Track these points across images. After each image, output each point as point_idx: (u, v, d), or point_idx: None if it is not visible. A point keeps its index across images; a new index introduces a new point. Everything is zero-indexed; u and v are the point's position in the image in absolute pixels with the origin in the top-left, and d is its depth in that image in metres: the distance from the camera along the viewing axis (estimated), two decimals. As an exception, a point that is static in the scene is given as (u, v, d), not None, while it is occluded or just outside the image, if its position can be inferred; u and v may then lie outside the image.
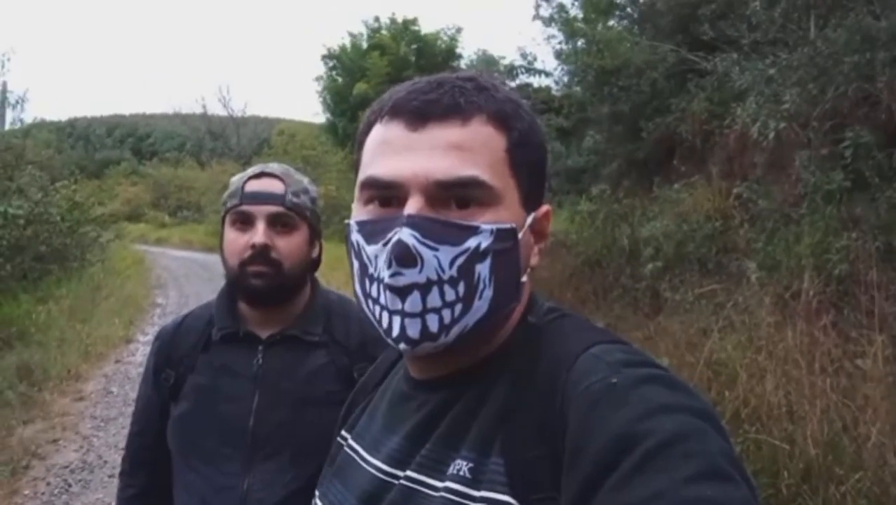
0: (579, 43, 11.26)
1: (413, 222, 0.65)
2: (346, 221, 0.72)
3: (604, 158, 10.65)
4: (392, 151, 0.68)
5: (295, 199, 1.33)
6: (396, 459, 0.73)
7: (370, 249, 0.68)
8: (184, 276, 14.77)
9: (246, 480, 1.28)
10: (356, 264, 0.71)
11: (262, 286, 1.30)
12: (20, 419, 5.14)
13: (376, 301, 0.69)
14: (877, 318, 3.33)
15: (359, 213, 0.71)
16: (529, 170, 0.71)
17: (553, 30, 11.83)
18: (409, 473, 0.70)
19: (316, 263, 1.42)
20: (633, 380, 0.61)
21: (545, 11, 11.74)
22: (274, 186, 1.32)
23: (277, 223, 1.31)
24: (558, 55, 12.08)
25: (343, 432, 0.87)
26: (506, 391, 0.68)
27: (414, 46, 20.58)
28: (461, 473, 0.65)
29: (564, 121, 11.88)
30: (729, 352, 3.88)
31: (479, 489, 0.63)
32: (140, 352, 7.72)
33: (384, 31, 21.39)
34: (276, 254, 1.30)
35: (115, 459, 4.64)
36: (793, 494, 2.85)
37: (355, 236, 0.70)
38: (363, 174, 0.71)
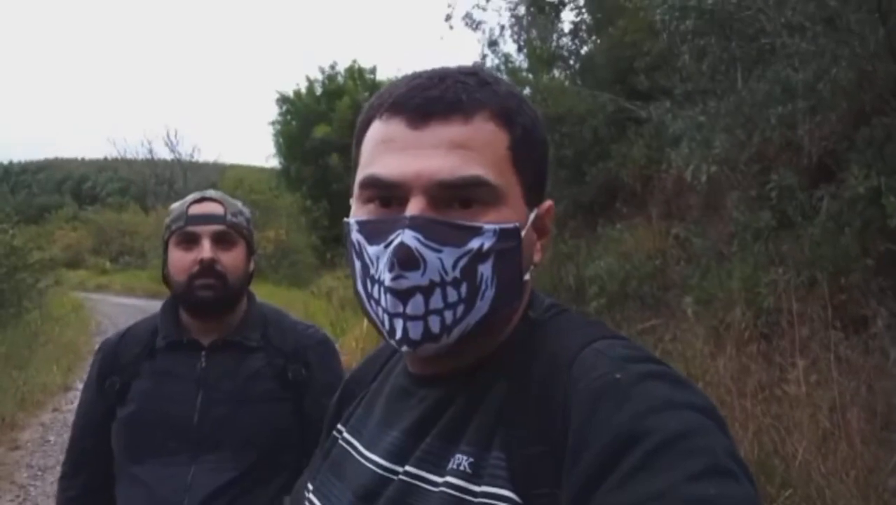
0: (525, 91, 11.73)
1: (416, 224, 0.64)
2: (345, 220, 0.72)
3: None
4: (394, 150, 0.67)
5: (234, 219, 1.49)
6: (395, 454, 0.72)
7: (372, 250, 0.67)
8: (124, 323, 14.20)
9: (192, 468, 1.40)
10: (358, 264, 0.69)
11: (210, 297, 1.44)
12: (-49, 470, 4.91)
13: (378, 303, 0.68)
14: (797, 345, 3.57)
15: (358, 211, 0.70)
16: (532, 166, 0.71)
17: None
18: (408, 468, 0.69)
19: (251, 276, 1.57)
20: (637, 376, 0.60)
21: (491, 62, 12.22)
22: (215, 209, 1.49)
23: (220, 240, 1.46)
24: (505, 103, 12.51)
25: (338, 426, 0.86)
26: (507, 386, 0.68)
27: (367, 94, 20.94)
28: (461, 467, 0.65)
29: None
30: (668, 382, 4.03)
31: (479, 484, 0.63)
32: (79, 400, 7.45)
33: (340, 78, 21.74)
34: (221, 267, 1.45)
35: (53, 508, 4.47)
36: (728, 514, 2.97)
37: (356, 236, 0.69)
38: (363, 173, 0.69)
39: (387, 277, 0.65)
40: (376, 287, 0.67)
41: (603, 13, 10.93)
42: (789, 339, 3.64)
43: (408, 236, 0.63)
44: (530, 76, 11.85)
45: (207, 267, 1.43)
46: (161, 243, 1.52)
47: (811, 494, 2.81)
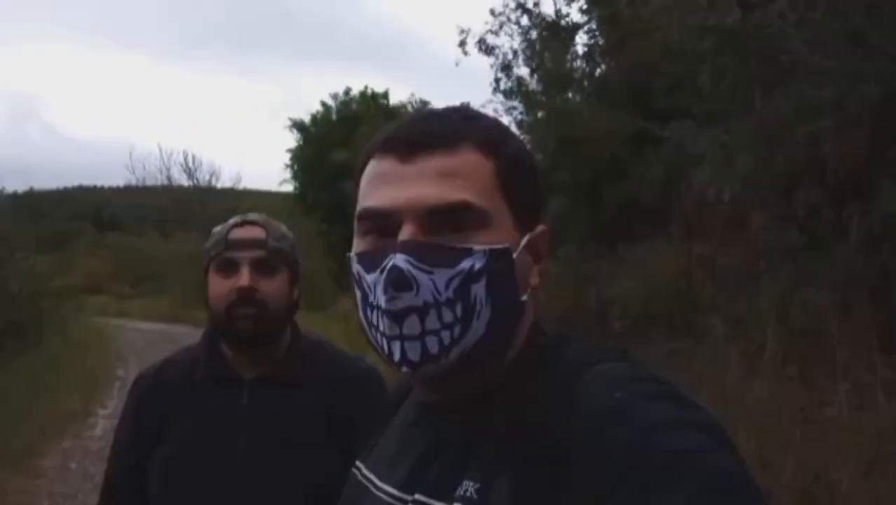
0: (539, 114, 11.75)
1: (406, 248, 0.67)
2: (348, 255, 0.75)
3: (568, 222, 10.93)
4: (384, 183, 0.71)
5: (276, 244, 1.40)
6: (405, 483, 0.73)
7: (369, 278, 0.70)
8: (146, 348, 14.33)
9: None
10: (358, 294, 0.73)
11: (249, 328, 1.36)
12: (-27, 499, 4.89)
13: (377, 329, 0.70)
14: (839, 367, 3.46)
15: (358, 245, 0.74)
16: (520, 192, 0.73)
17: (514, 101, 12.31)
18: (417, 496, 0.71)
19: (296, 305, 1.47)
20: (639, 395, 0.61)
21: (505, 84, 12.25)
22: (256, 233, 1.40)
23: (261, 267, 1.37)
24: (520, 125, 12.52)
25: (357, 463, 0.88)
26: (512, 412, 0.68)
27: (382, 119, 21.12)
28: (468, 494, 0.66)
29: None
30: (700, 405, 3.94)
31: None
32: (100, 426, 7.43)
33: (354, 105, 21.98)
34: (261, 296, 1.36)
35: (75, 538, 4.42)
36: (771, 545, 2.87)
37: (356, 267, 0.72)
38: (359, 207, 0.74)
39: (382, 301, 0.68)
40: (375, 313, 0.70)
41: (616, 35, 10.95)
42: (829, 361, 3.54)
43: (399, 259, 0.66)
44: (544, 99, 11.87)
45: (246, 296, 1.34)
46: (201, 269, 1.43)
47: (859, 523, 2.70)
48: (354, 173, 0.77)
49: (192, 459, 1.35)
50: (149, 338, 16.41)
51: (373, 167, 0.74)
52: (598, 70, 12.10)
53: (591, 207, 10.09)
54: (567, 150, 10.22)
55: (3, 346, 9.35)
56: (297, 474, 1.33)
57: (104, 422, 7.61)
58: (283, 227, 1.45)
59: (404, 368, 0.69)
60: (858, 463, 2.91)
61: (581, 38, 12.03)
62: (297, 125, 22.48)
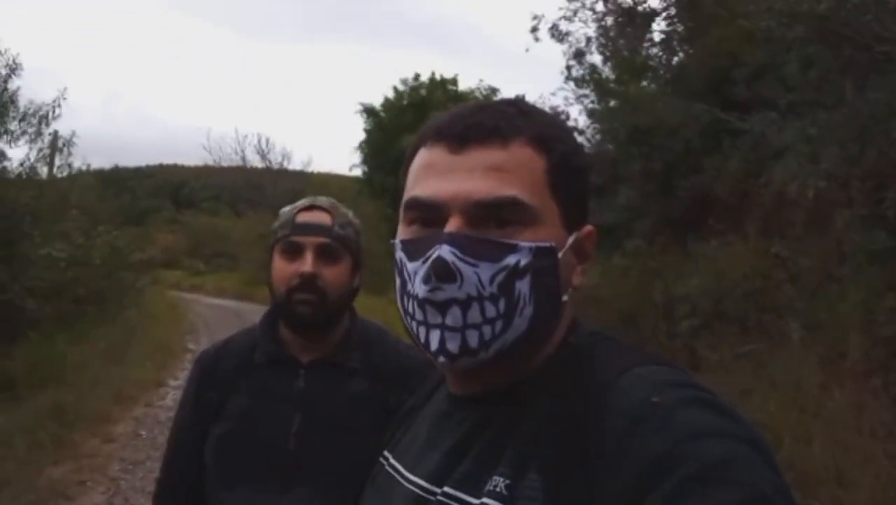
0: (611, 102, 11.44)
1: (453, 239, 0.67)
2: (392, 241, 0.74)
3: (637, 215, 10.62)
4: (434, 173, 0.70)
5: (341, 231, 1.40)
6: (435, 475, 0.73)
7: (411, 266, 0.70)
8: (216, 322, 14.89)
9: (285, 499, 1.30)
10: (398, 281, 0.73)
11: (308, 313, 1.35)
12: (50, 459, 5.16)
13: (413, 317, 0.71)
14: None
15: (403, 232, 0.74)
16: (570, 191, 0.72)
17: (585, 89, 12.03)
18: (446, 489, 0.70)
19: (356, 292, 1.46)
20: (677, 401, 0.60)
21: (577, 72, 11.98)
22: (322, 218, 1.40)
23: (324, 253, 1.37)
24: (591, 114, 12.25)
25: (385, 452, 0.87)
26: (545, 409, 0.68)
27: (450, 105, 21.05)
28: (498, 489, 0.65)
29: (596, 178, 11.91)
30: (772, 412, 3.75)
31: None
32: (170, 396, 7.74)
33: (423, 91, 21.99)
34: (322, 282, 1.35)
35: (142, 502, 4.60)
36: (845, 566, 2.70)
37: (399, 254, 0.72)
38: (407, 195, 0.73)
39: (422, 290, 0.68)
40: (411, 302, 0.70)
41: (696, 22, 10.52)
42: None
43: (445, 251, 0.66)
44: (618, 87, 11.55)
45: (308, 281, 1.34)
46: (266, 248, 1.44)
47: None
48: (405, 159, 0.77)
49: (247, 436, 1.36)
50: (219, 313, 17.03)
51: (423, 156, 0.73)
52: (675, 58, 11.68)
53: (662, 200, 9.77)
54: (639, 139, 9.92)
55: (84, 315, 9.85)
56: (347, 458, 1.32)
57: (175, 392, 7.93)
58: (350, 214, 1.45)
59: (441, 359, 0.69)
60: (948, 486, 2.70)
61: (658, 25, 11.63)
62: (368, 110, 22.67)
